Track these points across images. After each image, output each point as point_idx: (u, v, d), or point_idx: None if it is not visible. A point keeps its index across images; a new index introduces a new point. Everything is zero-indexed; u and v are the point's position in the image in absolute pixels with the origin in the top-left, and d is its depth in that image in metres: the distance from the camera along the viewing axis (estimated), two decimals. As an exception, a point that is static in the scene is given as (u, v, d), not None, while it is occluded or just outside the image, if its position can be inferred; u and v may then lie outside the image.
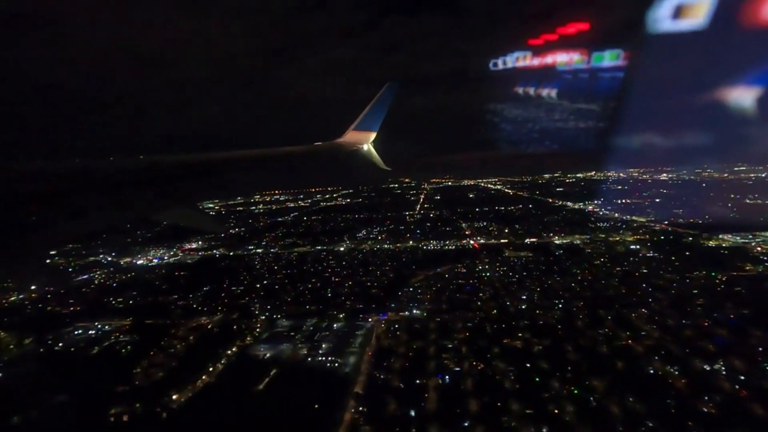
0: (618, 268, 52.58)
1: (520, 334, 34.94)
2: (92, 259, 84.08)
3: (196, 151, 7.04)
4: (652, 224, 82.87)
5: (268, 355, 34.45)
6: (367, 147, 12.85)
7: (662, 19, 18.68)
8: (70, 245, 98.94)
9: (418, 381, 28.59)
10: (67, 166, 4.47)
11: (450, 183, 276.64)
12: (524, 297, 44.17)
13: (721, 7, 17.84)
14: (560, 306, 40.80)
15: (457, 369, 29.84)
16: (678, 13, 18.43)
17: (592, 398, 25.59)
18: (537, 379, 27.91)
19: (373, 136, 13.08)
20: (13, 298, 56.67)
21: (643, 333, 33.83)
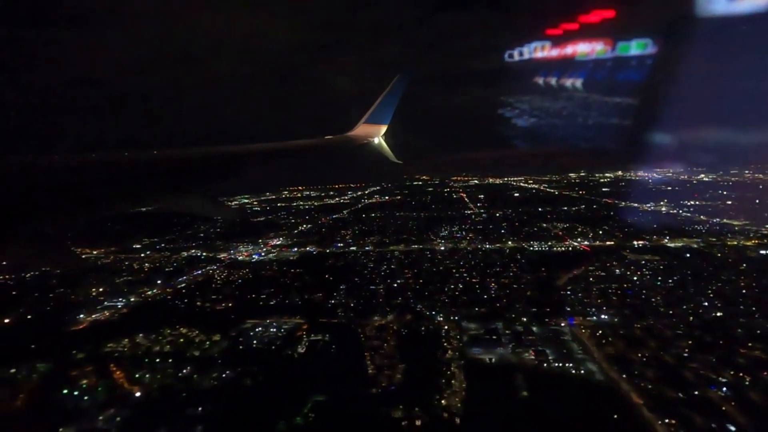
0: (774, 274, 51.14)
1: (750, 344, 33.88)
2: (185, 254, 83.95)
3: (219, 144, 7.73)
4: (755, 228, 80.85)
5: (493, 359, 33.73)
6: (378, 140, 12.71)
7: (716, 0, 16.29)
8: (146, 240, 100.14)
9: (696, 392, 27.71)
10: (81, 159, 4.72)
11: (476, 181, 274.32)
12: (706, 304, 42.96)
13: None
14: (760, 313, 39.57)
15: (724, 380, 28.86)
16: None
17: None
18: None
19: (383, 129, 12.89)
20: (149, 292, 56.75)
21: None
